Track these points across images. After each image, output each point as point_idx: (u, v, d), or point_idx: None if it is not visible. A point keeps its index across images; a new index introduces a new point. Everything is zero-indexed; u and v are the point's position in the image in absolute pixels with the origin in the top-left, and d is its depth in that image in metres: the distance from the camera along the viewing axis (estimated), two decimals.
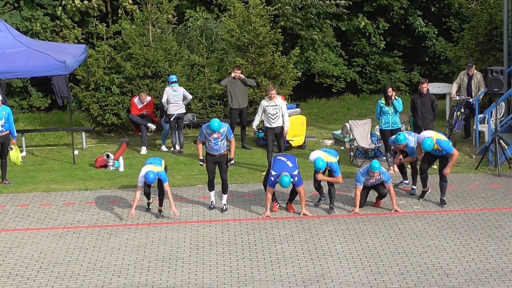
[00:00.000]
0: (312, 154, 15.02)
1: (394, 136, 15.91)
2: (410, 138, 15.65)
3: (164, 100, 19.09)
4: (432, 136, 14.82)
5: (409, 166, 16.06)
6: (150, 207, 15.22)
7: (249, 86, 19.55)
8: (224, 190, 15.11)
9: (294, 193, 14.94)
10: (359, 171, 14.86)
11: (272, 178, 14.53)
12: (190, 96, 19.36)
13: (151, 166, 14.70)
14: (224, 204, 15.16)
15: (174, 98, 19.00)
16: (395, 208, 14.84)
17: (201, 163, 15.23)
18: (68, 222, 14.88)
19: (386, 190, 14.81)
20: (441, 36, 27.86)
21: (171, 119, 19.00)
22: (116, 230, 14.38)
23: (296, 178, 14.53)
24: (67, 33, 25.46)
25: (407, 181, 16.24)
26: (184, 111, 19.26)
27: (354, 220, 14.51)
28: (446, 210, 14.90)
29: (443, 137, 14.99)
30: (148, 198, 15.15)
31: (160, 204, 14.98)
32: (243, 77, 19.30)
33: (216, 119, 14.79)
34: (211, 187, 15.23)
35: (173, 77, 19.30)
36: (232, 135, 15.11)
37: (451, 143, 15.11)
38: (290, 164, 14.62)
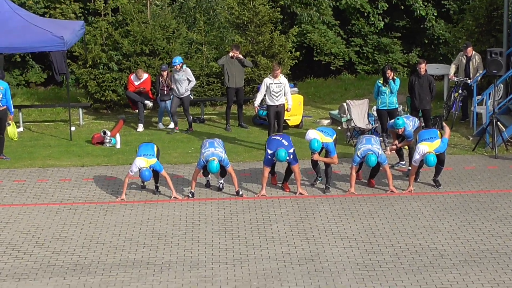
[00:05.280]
0: (308, 133, 14.97)
1: (392, 121, 15.85)
2: (408, 123, 15.57)
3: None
4: (431, 151, 14.48)
5: (406, 147, 16.05)
6: (158, 190, 15.06)
7: (246, 67, 19.51)
8: (223, 175, 15.06)
9: (289, 172, 14.94)
10: (355, 151, 14.85)
11: (269, 157, 14.53)
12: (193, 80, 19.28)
13: (143, 159, 14.47)
14: (221, 183, 15.16)
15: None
16: (391, 188, 14.85)
17: (190, 195, 14.75)
18: (64, 198, 14.89)
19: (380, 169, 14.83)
20: (440, 17, 27.74)
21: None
22: (112, 206, 14.39)
23: (291, 156, 14.55)
24: (65, 8, 25.22)
25: (403, 162, 16.24)
26: (189, 93, 19.20)
27: (350, 200, 14.53)
28: (442, 192, 14.92)
29: (436, 143, 14.62)
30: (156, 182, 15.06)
31: (156, 181, 14.96)
32: (241, 57, 19.23)
33: (215, 161, 14.35)
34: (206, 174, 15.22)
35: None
36: (229, 164, 14.65)
37: (446, 140, 14.93)
38: (286, 143, 14.61)
